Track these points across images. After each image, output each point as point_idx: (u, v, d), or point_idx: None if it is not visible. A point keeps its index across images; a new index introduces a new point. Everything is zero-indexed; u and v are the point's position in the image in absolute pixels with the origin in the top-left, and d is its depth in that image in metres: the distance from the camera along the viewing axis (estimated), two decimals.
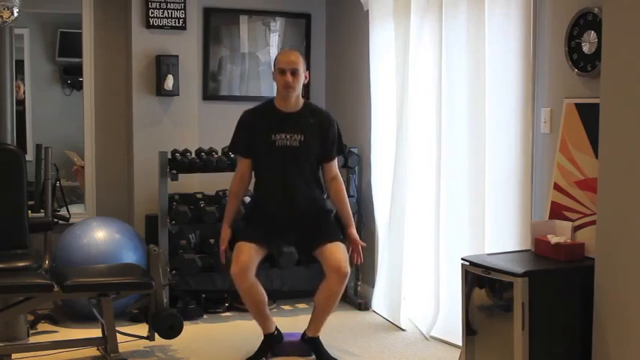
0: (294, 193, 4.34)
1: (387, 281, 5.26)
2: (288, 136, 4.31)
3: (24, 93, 6.58)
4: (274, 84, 4.49)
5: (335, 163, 4.47)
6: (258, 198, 4.48)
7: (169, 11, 5.62)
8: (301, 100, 4.40)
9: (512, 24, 4.09)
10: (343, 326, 5.07)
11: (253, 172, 4.45)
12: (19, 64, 6.32)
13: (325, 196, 4.45)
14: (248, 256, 4.21)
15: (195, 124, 5.76)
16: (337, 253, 4.24)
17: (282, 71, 4.29)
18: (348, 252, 4.38)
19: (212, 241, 5.26)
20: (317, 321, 4.38)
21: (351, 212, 4.50)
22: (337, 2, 6.06)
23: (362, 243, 4.48)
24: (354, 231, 4.45)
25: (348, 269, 4.26)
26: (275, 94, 4.44)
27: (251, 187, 4.55)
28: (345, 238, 4.41)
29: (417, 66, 4.86)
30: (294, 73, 4.27)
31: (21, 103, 6.35)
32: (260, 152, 4.36)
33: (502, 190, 4.22)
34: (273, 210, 4.37)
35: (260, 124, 4.36)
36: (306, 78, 4.37)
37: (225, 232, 4.41)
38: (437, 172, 4.69)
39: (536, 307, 3.39)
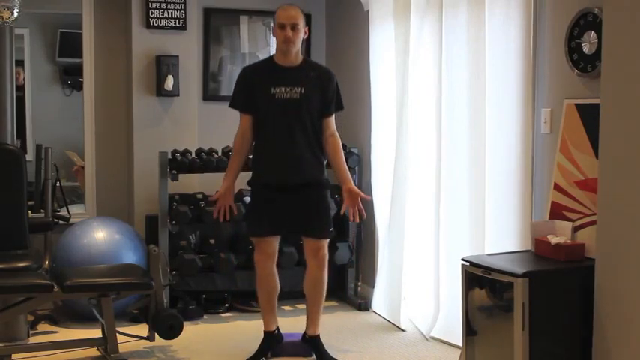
0: (295, 151, 4.25)
1: (387, 281, 5.25)
2: (288, 89, 4.26)
3: (24, 79, 6.57)
4: (273, 40, 4.45)
5: (333, 120, 4.40)
6: (257, 168, 4.37)
7: (169, 11, 5.62)
8: (300, 56, 4.38)
9: (512, 24, 4.09)
10: (343, 326, 5.07)
11: (254, 137, 4.36)
12: (19, 64, 6.32)
13: (325, 162, 4.39)
14: (269, 245, 4.34)
15: (195, 125, 5.76)
16: (319, 243, 4.32)
17: (282, 26, 4.27)
18: (343, 212, 4.40)
19: (212, 241, 5.27)
20: (312, 315, 4.41)
21: (347, 169, 4.43)
22: (337, 2, 6.05)
23: (364, 195, 4.40)
24: (351, 185, 4.37)
25: (326, 254, 4.33)
26: (275, 52, 4.42)
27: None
28: (342, 201, 4.43)
29: (417, 66, 4.86)
30: (294, 27, 4.26)
31: (21, 88, 6.34)
32: (260, 106, 4.30)
33: (502, 190, 4.22)
34: (272, 179, 4.30)
35: (259, 78, 4.33)
36: (305, 33, 4.35)
37: (223, 187, 4.34)
38: (437, 172, 4.69)
39: (536, 307, 3.39)
